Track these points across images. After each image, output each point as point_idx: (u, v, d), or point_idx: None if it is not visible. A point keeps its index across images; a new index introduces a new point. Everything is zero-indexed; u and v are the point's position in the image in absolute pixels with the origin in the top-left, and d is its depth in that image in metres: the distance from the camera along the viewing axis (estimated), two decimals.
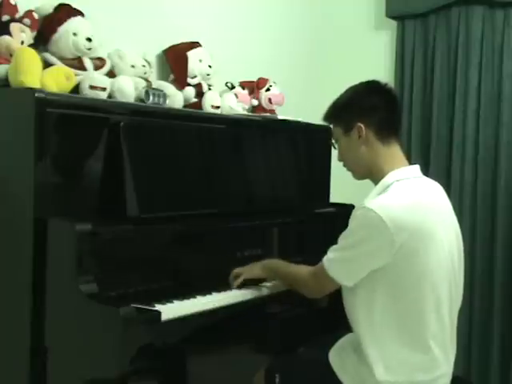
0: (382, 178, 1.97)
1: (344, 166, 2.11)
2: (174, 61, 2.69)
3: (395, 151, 2.03)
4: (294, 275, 2.12)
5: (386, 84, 2.07)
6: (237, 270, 2.21)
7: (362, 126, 1.98)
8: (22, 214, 1.90)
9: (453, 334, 2.00)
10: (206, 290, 2.09)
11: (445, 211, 2.01)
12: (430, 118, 3.60)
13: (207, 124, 2.46)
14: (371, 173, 2.03)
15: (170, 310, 1.90)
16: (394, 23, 3.72)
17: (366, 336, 1.92)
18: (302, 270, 2.09)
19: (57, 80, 2.04)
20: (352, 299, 1.95)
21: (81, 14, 2.22)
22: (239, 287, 2.17)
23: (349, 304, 1.97)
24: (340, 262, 1.93)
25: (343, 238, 1.94)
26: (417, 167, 2.05)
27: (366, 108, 2.01)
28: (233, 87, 2.85)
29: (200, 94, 2.69)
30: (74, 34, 2.16)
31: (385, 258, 1.85)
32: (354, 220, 1.91)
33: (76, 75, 2.14)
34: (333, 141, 2.12)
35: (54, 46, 2.16)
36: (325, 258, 1.96)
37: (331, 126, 2.11)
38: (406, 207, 1.87)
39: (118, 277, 1.91)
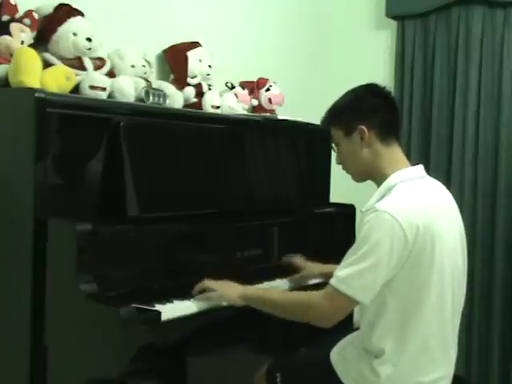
0: (385, 179, 1.96)
1: (343, 169, 2.10)
2: (174, 61, 2.69)
3: (397, 153, 2.02)
4: (300, 302, 1.95)
5: (384, 87, 2.07)
6: (210, 285, 2.06)
7: (364, 128, 1.98)
8: (21, 214, 1.90)
9: (454, 335, 1.99)
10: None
11: (450, 211, 2.01)
12: (429, 118, 3.60)
13: (207, 124, 2.46)
14: (372, 175, 2.02)
15: (170, 310, 1.90)
16: (394, 23, 3.72)
17: (368, 336, 1.92)
18: (305, 295, 1.95)
19: (57, 80, 2.04)
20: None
21: (81, 13, 2.22)
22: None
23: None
24: (357, 276, 1.82)
25: (354, 252, 1.85)
26: (420, 167, 2.03)
27: (366, 110, 2.00)
28: (233, 87, 2.85)
29: (200, 93, 2.69)
30: (74, 34, 2.17)
31: (401, 259, 1.82)
32: (365, 225, 1.85)
33: (76, 75, 2.14)
34: (332, 145, 2.11)
35: (54, 45, 2.17)
36: (335, 279, 1.85)
37: (331, 130, 2.10)
38: (412, 207, 1.86)
39: (117, 277, 1.91)
